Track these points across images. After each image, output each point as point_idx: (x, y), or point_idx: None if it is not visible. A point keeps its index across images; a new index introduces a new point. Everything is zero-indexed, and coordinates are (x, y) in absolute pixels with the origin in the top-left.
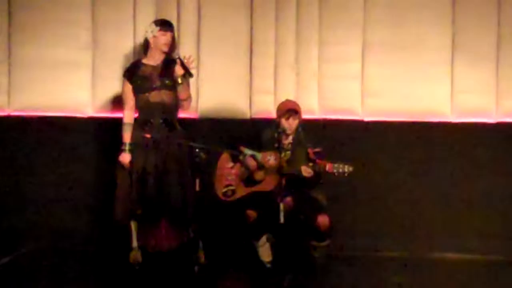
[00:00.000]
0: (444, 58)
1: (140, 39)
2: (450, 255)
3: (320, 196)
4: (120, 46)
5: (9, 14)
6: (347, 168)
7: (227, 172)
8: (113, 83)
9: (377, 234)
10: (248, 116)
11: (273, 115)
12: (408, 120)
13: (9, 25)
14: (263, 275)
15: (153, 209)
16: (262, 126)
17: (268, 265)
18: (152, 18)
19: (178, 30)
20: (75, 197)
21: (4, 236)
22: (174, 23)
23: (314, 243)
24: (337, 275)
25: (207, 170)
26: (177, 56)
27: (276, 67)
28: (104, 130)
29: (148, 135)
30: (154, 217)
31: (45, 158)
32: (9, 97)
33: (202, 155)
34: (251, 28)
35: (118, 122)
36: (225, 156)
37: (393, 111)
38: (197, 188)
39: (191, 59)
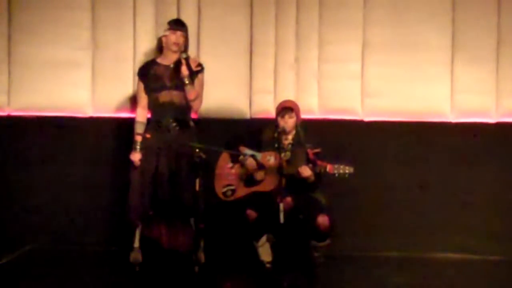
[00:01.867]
0: (444, 58)
1: (140, 39)
2: (450, 255)
3: (320, 196)
4: (120, 46)
5: (9, 14)
6: (348, 169)
7: (227, 172)
8: (113, 83)
9: (377, 234)
10: (248, 116)
11: (273, 115)
12: (408, 120)
13: (9, 25)
14: (263, 275)
15: (166, 210)
16: (262, 126)
17: (268, 265)
18: (152, 18)
19: None
20: (75, 197)
21: (4, 236)
22: None
23: (314, 243)
24: (337, 275)
25: (207, 170)
26: (184, 56)
27: (276, 67)
28: (104, 130)
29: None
30: (167, 217)
31: (44, 158)
32: (9, 97)
33: (202, 155)
34: (251, 28)
35: (118, 122)
36: (225, 156)
37: (393, 111)
38: (197, 188)
39: (196, 60)
